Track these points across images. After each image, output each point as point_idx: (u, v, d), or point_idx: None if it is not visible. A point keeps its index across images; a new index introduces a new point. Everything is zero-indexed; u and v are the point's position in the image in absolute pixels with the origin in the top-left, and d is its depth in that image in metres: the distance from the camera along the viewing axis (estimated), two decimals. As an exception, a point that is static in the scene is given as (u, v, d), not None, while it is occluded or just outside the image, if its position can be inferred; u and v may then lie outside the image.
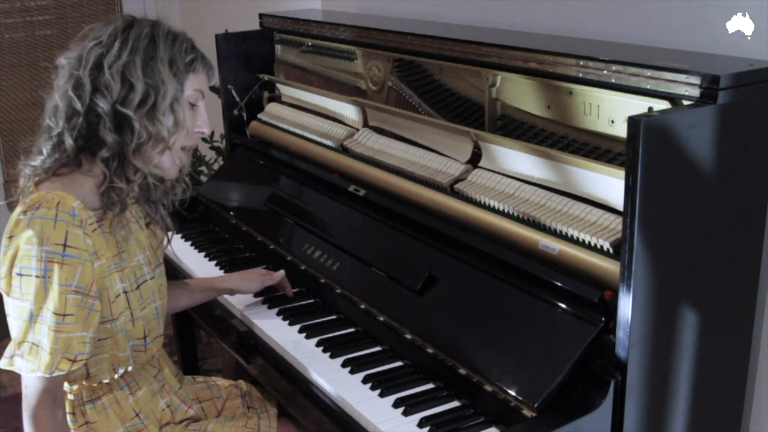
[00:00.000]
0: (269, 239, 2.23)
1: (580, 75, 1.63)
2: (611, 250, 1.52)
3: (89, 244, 1.51)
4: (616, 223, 1.54)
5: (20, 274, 1.45)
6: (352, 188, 2.08)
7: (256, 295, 2.05)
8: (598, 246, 1.54)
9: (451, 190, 1.89)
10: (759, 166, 1.52)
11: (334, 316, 1.95)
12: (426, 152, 2.03)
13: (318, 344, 1.81)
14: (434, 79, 2.09)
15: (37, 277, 1.44)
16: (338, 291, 1.95)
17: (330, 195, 2.16)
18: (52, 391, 1.49)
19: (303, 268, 2.07)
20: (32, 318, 1.46)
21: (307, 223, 2.15)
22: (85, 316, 1.49)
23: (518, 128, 1.86)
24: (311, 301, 2.03)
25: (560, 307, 1.51)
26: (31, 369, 1.46)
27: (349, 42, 2.36)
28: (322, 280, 2.01)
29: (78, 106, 1.51)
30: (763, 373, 1.69)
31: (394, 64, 2.21)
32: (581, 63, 1.63)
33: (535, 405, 1.42)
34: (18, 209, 1.51)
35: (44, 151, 1.55)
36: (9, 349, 1.48)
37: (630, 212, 1.35)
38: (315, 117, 2.47)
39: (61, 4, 4.26)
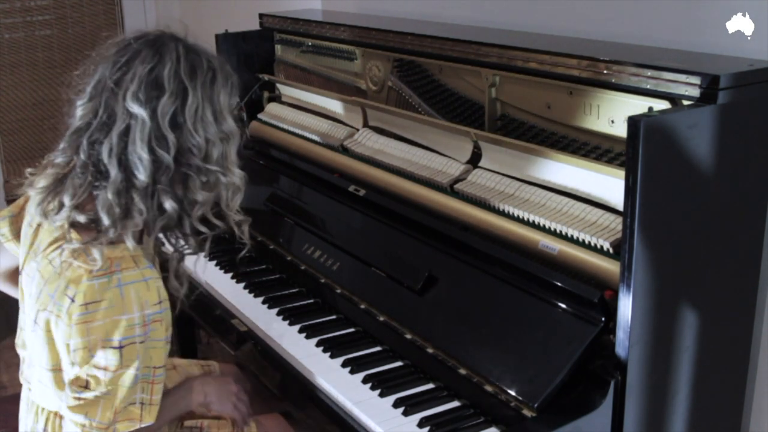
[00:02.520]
0: (269, 239, 2.23)
1: (580, 75, 1.64)
2: (611, 250, 1.52)
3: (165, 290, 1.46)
4: (616, 223, 1.54)
5: (121, 347, 1.38)
6: (352, 188, 2.08)
7: (255, 295, 2.05)
8: (598, 246, 1.54)
9: (451, 190, 1.89)
10: (759, 166, 1.52)
11: (334, 316, 1.94)
12: (426, 152, 2.03)
13: (318, 344, 1.81)
14: (434, 79, 2.09)
15: (141, 342, 1.39)
16: (338, 291, 1.95)
17: (330, 195, 2.16)
18: None
19: (303, 268, 2.07)
20: (136, 381, 1.41)
21: (307, 223, 2.15)
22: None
23: (518, 128, 1.86)
24: (311, 301, 2.03)
25: (560, 307, 1.51)
26: (135, 425, 1.43)
27: (349, 42, 2.36)
28: (322, 280, 2.01)
29: (168, 161, 1.40)
30: (763, 373, 1.69)
31: (394, 64, 2.21)
32: (581, 63, 1.63)
33: (535, 405, 1.42)
34: (80, 273, 1.38)
35: (128, 208, 1.41)
36: (104, 420, 1.40)
37: (630, 212, 1.35)
38: (315, 117, 2.47)
39: (61, 4, 4.26)
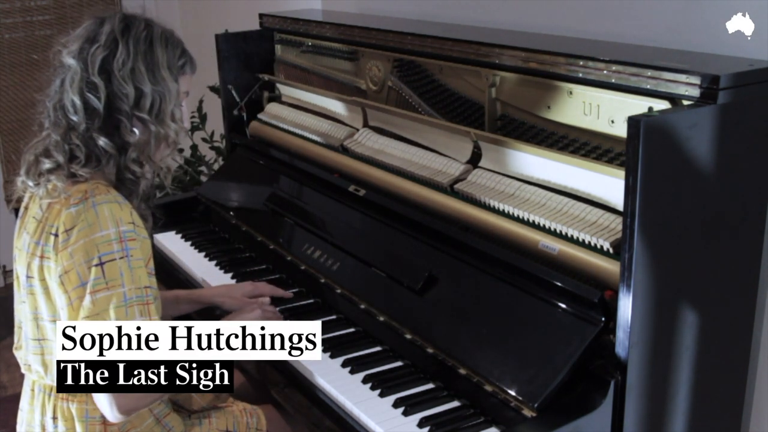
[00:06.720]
0: (269, 239, 2.23)
1: (580, 75, 1.63)
2: (611, 250, 1.52)
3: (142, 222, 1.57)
4: (616, 223, 1.54)
5: (102, 263, 1.45)
6: (352, 188, 2.08)
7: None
8: (598, 246, 1.54)
9: (451, 190, 1.89)
10: (759, 166, 1.52)
11: (334, 316, 1.95)
12: (426, 152, 2.03)
13: (318, 344, 1.81)
14: (434, 79, 2.09)
15: (120, 258, 1.47)
16: (338, 291, 1.95)
17: (330, 195, 2.16)
18: None
19: (303, 268, 2.07)
20: (128, 302, 1.46)
21: (307, 223, 2.15)
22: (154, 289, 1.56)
23: (518, 128, 1.86)
24: (311, 301, 2.03)
25: (560, 307, 1.51)
26: None
27: (349, 42, 2.35)
28: (322, 280, 2.01)
29: (98, 105, 1.54)
30: (763, 373, 1.69)
31: (394, 64, 2.21)
32: (581, 63, 1.63)
33: (536, 405, 1.42)
34: (58, 208, 1.51)
35: (71, 147, 1.55)
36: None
37: (630, 212, 1.35)
38: (315, 117, 2.47)
39: (61, 4, 4.26)
